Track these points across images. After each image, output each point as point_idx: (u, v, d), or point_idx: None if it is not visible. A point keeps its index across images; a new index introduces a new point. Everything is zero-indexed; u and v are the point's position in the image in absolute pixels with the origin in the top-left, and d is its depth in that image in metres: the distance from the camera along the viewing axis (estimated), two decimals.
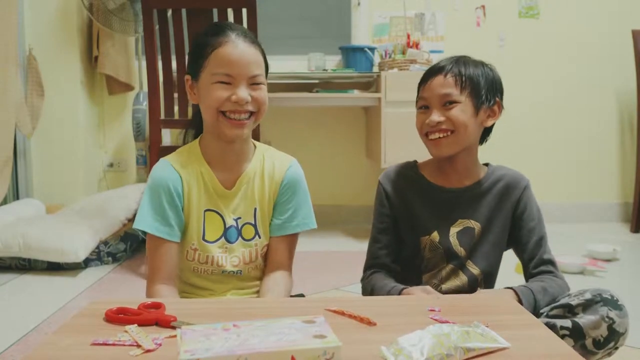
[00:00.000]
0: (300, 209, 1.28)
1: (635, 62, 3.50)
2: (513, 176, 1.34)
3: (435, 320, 0.91)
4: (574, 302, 1.14)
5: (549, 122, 3.79)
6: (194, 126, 1.32)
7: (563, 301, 1.17)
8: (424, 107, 1.29)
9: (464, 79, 1.25)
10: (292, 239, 1.29)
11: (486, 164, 1.38)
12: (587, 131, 3.79)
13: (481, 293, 1.22)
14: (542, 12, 3.71)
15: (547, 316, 1.17)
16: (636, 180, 3.55)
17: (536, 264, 1.29)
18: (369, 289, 1.32)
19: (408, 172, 1.37)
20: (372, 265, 1.37)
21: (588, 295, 1.14)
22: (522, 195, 1.32)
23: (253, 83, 1.18)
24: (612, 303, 1.12)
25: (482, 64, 1.30)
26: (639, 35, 3.48)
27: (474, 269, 1.30)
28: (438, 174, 1.34)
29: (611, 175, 3.83)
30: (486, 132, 1.34)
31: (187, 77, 1.24)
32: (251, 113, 1.19)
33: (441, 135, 1.25)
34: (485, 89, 1.27)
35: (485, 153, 1.39)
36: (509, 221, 1.32)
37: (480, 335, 0.81)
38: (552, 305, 1.18)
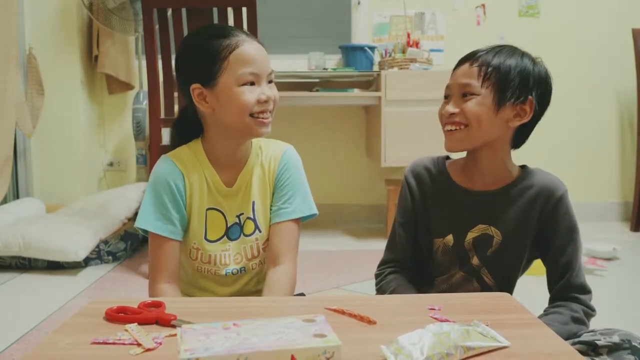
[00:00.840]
0: (296, 195, 1.25)
1: (636, 61, 3.49)
2: (547, 183, 1.20)
3: (436, 319, 0.91)
4: (600, 342, 1.04)
5: (548, 121, 3.75)
6: (181, 128, 1.27)
7: (587, 338, 1.07)
8: (447, 95, 1.20)
9: (489, 69, 1.14)
10: (290, 226, 1.23)
11: (523, 166, 1.25)
12: (587, 130, 3.79)
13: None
14: (542, 11, 3.71)
15: None
16: (636, 180, 3.55)
17: (560, 289, 1.17)
18: (387, 291, 1.24)
19: (434, 167, 1.27)
20: (389, 260, 1.30)
21: (616, 339, 1.04)
22: (555, 206, 1.18)
23: (269, 80, 1.18)
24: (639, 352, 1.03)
25: (522, 55, 1.18)
26: (639, 34, 3.48)
27: (488, 279, 1.22)
28: (463, 174, 1.24)
29: (611, 174, 3.83)
30: (521, 134, 1.22)
31: (195, 85, 1.16)
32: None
33: (454, 128, 1.16)
34: (515, 83, 1.14)
35: None
36: (533, 228, 1.20)
37: (480, 334, 0.81)
38: (575, 339, 1.07)
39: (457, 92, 1.17)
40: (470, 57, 1.18)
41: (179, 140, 1.27)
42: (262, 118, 1.16)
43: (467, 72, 1.16)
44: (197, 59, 1.17)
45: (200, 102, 1.17)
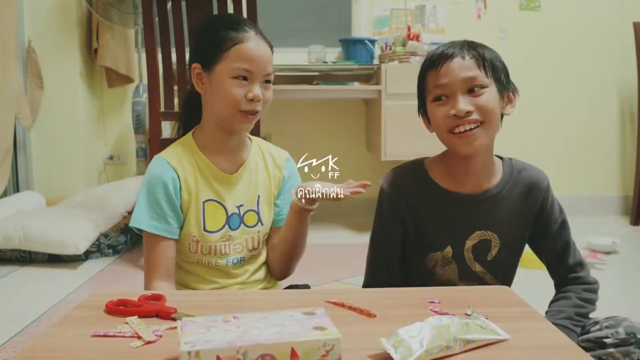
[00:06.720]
0: None
1: (637, 54, 3.48)
2: (533, 175, 1.17)
3: (435, 312, 0.92)
4: (609, 340, 1.05)
5: (549, 115, 3.78)
6: (186, 118, 1.32)
7: (596, 334, 1.08)
8: (442, 97, 1.09)
9: (486, 60, 1.08)
10: None
11: (499, 157, 1.19)
12: (588, 124, 3.79)
13: None
14: (543, 5, 3.69)
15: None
16: (636, 173, 3.55)
17: (562, 271, 1.19)
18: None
19: (415, 175, 1.18)
20: (380, 285, 1.14)
21: (622, 334, 1.05)
22: (545, 196, 1.17)
23: (265, 81, 1.21)
24: None
25: (485, 46, 1.15)
26: None
27: (491, 280, 1.18)
28: (450, 177, 1.16)
29: (611, 168, 3.83)
30: None
31: (196, 65, 1.21)
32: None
33: (472, 127, 1.06)
34: (503, 72, 1.11)
35: None
36: (529, 225, 1.18)
37: (480, 327, 0.81)
38: (583, 337, 1.09)
39: (462, 88, 1.07)
40: (454, 53, 1.09)
41: (183, 128, 1.32)
42: (248, 114, 1.19)
43: (465, 66, 1.07)
44: (205, 42, 1.22)
45: (197, 82, 1.23)
